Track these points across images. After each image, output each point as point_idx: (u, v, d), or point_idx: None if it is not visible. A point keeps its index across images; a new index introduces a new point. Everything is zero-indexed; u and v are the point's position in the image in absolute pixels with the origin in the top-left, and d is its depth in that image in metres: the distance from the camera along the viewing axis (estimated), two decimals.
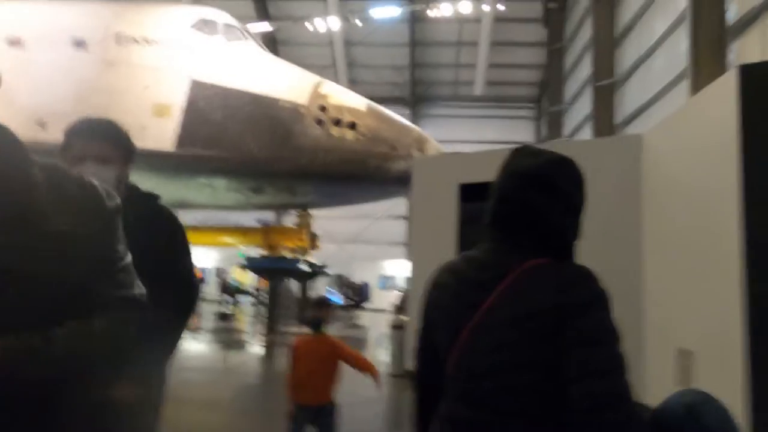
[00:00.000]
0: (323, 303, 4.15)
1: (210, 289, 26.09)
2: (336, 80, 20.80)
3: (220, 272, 28.49)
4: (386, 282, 28.89)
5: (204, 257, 29.30)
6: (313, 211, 15.24)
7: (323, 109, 11.57)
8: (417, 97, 30.59)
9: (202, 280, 25.45)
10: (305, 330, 4.10)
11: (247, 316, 21.70)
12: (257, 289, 24.73)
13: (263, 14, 26.21)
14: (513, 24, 26.06)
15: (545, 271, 1.24)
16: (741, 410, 2.78)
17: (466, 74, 29.18)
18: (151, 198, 2.11)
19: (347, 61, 28.23)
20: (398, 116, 12.89)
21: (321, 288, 26.82)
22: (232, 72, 11.61)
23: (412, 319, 9.07)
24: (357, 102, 12.09)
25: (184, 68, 11.44)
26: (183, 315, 2.01)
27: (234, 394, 7.94)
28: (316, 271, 16.45)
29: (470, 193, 7.89)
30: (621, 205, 4.76)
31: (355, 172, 11.61)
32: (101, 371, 1.25)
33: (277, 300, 14.84)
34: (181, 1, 23.87)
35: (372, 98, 12.92)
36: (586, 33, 20.97)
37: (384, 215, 27.94)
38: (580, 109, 22.41)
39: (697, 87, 10.70)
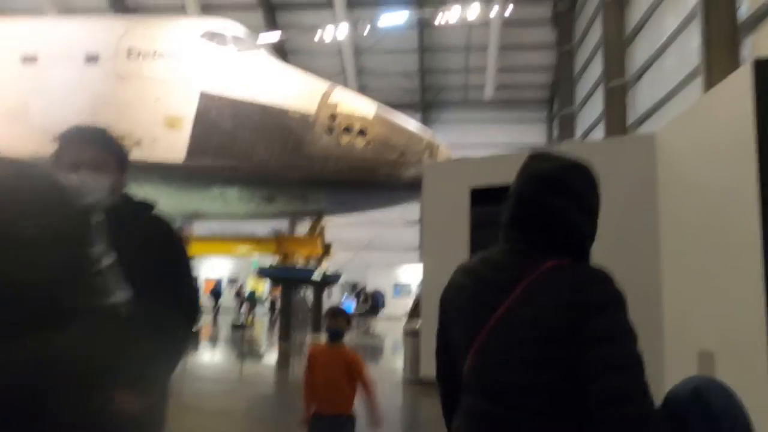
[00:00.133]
0: (340, 313, 4.03)
1: (225, 299, 26.23)
2: (346, 88, 20.87)
3: (233, 282, 28.61)
4: (401, 290, 28.80)
5: (218, 267, 29.46)
6: (327, 219, 15.26)
7: (333, 117, 11.59)
8: (427, 103, 30.59)
9: (218, 292, 25.59)
10: (322, 339, 4.12)
11: (261, 325, 21.74)
12: (272, 299, 24.82)
13: (272, 24, 26.42)
14: (521, 27, 25.99)
15: (563, 272, 1.28)
16: (765, 411, 2.70)
17: (475, 78, 29.13)
18: (147, 207, 2.04)
19: (357, 69, 28.33)
20: (409, 121, 12.89)
21: (336, 296, 26.87)
22: (242, 82, 11.70)
23: (426, 323, 8.99)
24: (367, 109, 12.10)
25: (195, 80, 11.55)
26: (183, 328, 1.94)
27: (249, 404, 7.93)
28: (330, 279, 16.44)
29: (481, 197, 7.84)
30: (636, 205, 4.69)
31: (366, 179, 11.62)
32: (71, 387, 1.14)
33: (291, 309, 14.84)
34: (190, 12, 24.23)
35: (382, 104, 12.93)
36: (596, 33, 20.84)
37: (398, 222, 27.92)
38: (592, 110, 22.25)
39: (710, 84, 10.57)
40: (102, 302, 1.21)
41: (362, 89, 26.74)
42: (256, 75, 12.02)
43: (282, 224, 24.90)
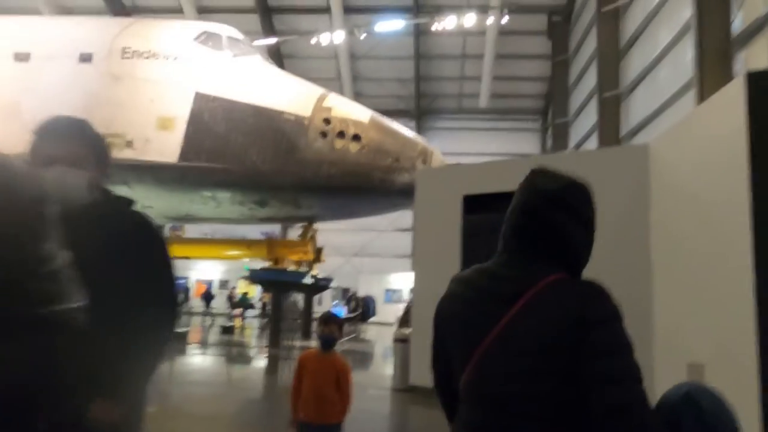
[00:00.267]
0: (332, 319, 3.92)
1: (216, 303, 26.09)
2: (341, 94, 20.88)
3: (224, 285, 28.47)
4: (392, 295, 28.75)
5: (209, 270, 29.31)
6: (319, 224, 15.21)
7: (327, 121, 11.58)
8: (422, 110, 30.66)
9: (209, 295, 25.44)
10: (312, 344, 4.05)
11: (251, 329, 21.62)
12: (263, 303, 24.71)
13: (269, 28, 26.42)
14: (517, 37, 26.14)
15: (565, 286, 1.34)
16: (754, 424, 2.68)
17: (470, 87, 29.24)
18: (126, 204, 1.93)
19: (352, 75, 28.36)
20: (403, 128, 12.89)
21: (326, 301, 26.78)
22: (236, 85, 11.66)
23: (416, 331, 8.93)
24: (361, 114, 12.09)
25: (189, 82, 11.50)
26: (161, 330, 1.83)
27: (237, 409, 7.85)
28: (321, 284, 16.37)
29: (474, 204, 7.82)
30: (629, 216, 4.69)
31: (359, 184, 11.58)
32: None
33: (281, 313, 14.75)
34: (186, 15, 24.20)
35: (377, 111, 12.93)
36: (591, 44, 20.99)
37: (390, 228, 27.91)
38: (586, 121, 22.38)
39: (703, 97, 10.64)
40: (50, 310, 1.07)
41: (357, 95, 26.78)
42: (251, 78, 11.99)
43: (274, 229, 24.87)
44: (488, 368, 1.35)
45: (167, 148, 11.23)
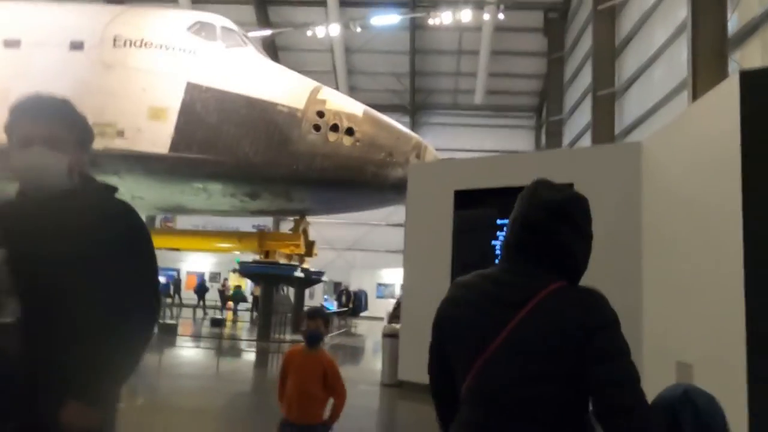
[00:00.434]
0: (318, 313, 3.73)
1: (207, 295, 25.98)
2: (336, 87, 20.81)
3: (215, 278, 28.37)
4: (384, 290, 28.77)
5: (201, 262, 29.20)
6: (312, 218, 15.15)
7: (321, 114, 11.51)
8: (417, 105, 30.59)
9: (203, 288, 25.23)
10: (299, 342, 3.71)
11: (242, 322, 21.56)
12: (254, 296, 24.65)
13: (264, 20, 26.25)
14: (513, 33, 26.09)
15: (567, 294, 1.41)
16: (741, 423, 2.66)
17: (466, 83, 29.19)
18: (108, 191, 1.79)
19: (347, 68, 28.24)
20: (397, 123, 12.84)
21: (318, 295, 26.75)
22: (229, 76, 11.57)
23: (406, 326, 8.90)
24: (355, 108, 12.03)
25: (181, 71, 11.39)
26: (140, 333, 1.69)
27: (225, 402, 7.80)
28: (312, 277, 16.32)
29: (465, 199, 7.79)
30: (620, 214, 4.67)
31: (352, 178, 11.54)
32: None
33: (271, 306, 14.69)
34: (181, 5, 23.98)
35: (371, 105, 12.89)
36: (587, 43, 20.99)
37: (383, 223, 27.89)
38: (580, 119, 22.40)
39: (696, 97, 10.64)
40: None
41: (352, 89, 26.68)
42: (244, 69, 11.89)
43: (267, 222, 24.79)
44: (494, 372, 1.40)
45: (159, 139, 11.14)
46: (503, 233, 7.78)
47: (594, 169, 5.32)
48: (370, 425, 7.01)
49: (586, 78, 21.06)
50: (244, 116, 11.25)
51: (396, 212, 23.16)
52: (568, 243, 1.48)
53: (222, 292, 25.37)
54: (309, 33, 22.94)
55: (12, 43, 11.48)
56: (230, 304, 24.88)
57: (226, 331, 17.09)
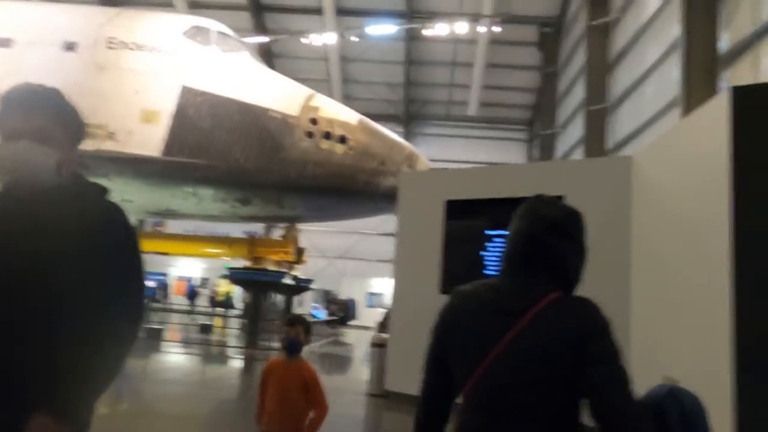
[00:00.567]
0: (298, 320, 3.49)
1: (195, 301, 25.79)
2: (330, 95, 20.81)
3: (203, 283, 28.18)
4: (373, 299, 28.69)
5: (190, 267, 29.01)
6: (304, 226, 15.08)
7: (314, 121, 11.50)
8: (410, 115, 30.69)
9: (193, 293, 25.07)
10: (280, 352, 3.48)
11: (231, 328, 21.40)
12: (245, 303, 24.48)
13: (260, 27, 26.29)
14: (508, 46, 26.28)
15: (565, 303, 1.51)
16: None
17: (460, 94, 29.33)
18: (98, 191, 1.70)
19: (342, 77, 28.31)
20: (390, 132, 12.85)
21: (307, 303, 26.62)
22: (223, 81, 11.54)
23: (394, 336, 8.84)
24: (348, 116, 12.03)
25: (175, 75, 11.36)
26: (122, 342, 1.58)
27: (209, 409, 7.71)
28: (301, 285, 16.23)
29: (456, 209, 7.77)
30: (610, 228, 4.67)
31: (344, 186, 11.52)
32: None
33: (259, 313, 14.58)
34: (178, 10, 23.98)
35: (366, 115, 12.89)
36: (580, 58, 21.17)
37: (374, 232, 27.84)
38: (572, 133, 22.54)
39: (687, 114, 10.73)
40: None
41: (347, 98, 26.72)
42: (239, 75, 11.88)
43: (258, 229, 24.69)
44: (496, 377, 1.48)
45: (150, 142, 11.07)
46: (493, 244, 7.74)
47: (584, 182, 5.34)
48: None
49: (579, 92, 21.23)
50: (237, 121, 11.22)
51: (387, 221, 23.15)
52: (566, 256, 1.58)
53: (212, 298, 25.20)
54: (305, 41, 22.99)
55: (4, 42, 11.41)
56: (221, 310, 24.71)
57: (214, 337, 16.95)
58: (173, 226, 21.86)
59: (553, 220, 1.59)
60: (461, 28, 21.80)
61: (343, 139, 11.47)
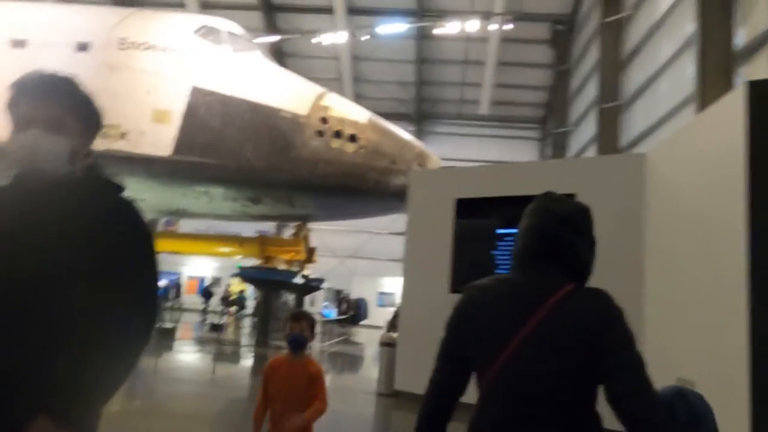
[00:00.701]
0: (303, 316, 3.32)
1: (209, 300, 25.91)
2: (342, 94, 20.82)
3: (215, 282, 28.30)
4: (384, 299, 28.66)
5: (202, 266, 29.16)
6: (315, 224, 15.09)
7: (324, 120, 11.48)
8: (422, 114, 30.61)
9: (209, 292, 25.16)
10: (283, 350, 3.32)
11: (242, 327, 21.48)
12: (257, 301, 24.58)
13: (271, 26, 26.35)
14: (520, 44, 26.11)
15: (581, 294, 1.57)
16: None
17: (471, 93, 29.20)
18: (114, 188, 1.60)
19: (353, 76, 28.30)
20: (401, 130, 12.81)
21: (319, 302, 26.65)
22: (234, 80, 11.57)
23: (403, 335, 8.78)
24: (359, 114, 12.01)
25: (186, 75, 11.40)
26: (135, 340, 1.48)
27: (221, 408, 7.73)
28: (312, 284, 16.25)
29: (466, 208, 7.71)
30: (623, 226, 4.60)
31: (355, 185, 11.50)
32: None
33: (270, 312, 14.60)
34: (189, 10, 24.10)
35: (377, 114, 12.86)
36: (593, 55, 20.97)
37: (386, 231, 27.82)
38: (585, 131, 22.35)
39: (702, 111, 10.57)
40: None
41: (358, 97, 26.72)
42: (249, 74, 11.90)
43: (270, 228, 24.77)
44: (518, 366, 1.52)
45: (161, 141, 11.13)
46: (503, 243, 7.65)
47: (597, 180, 5.26)
48: None
49: (591, 90, 21.04)
50: (248, 120, 11.24)
51: (398, 220, 23.10)
52: (578, 248, 1.64)
53: (225, 297, 25.31)
54: (315, 40, 23.00)
55: (19, 43, 11.52)
56: (233, 308, 24.83)
57: (226, 336, 17.02)
58: (185, 226, 22.01)
59: (564, 215, 1.65)
60: (472, 26, 21.68)
61: (353, 138, 11.45)
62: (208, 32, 12.03)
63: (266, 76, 12.11)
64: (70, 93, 1.57)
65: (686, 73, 13.18)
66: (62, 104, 1.53)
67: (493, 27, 23.14)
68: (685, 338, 3.17)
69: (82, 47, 11.48)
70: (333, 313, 22.54)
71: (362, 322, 25.46)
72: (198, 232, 18.95)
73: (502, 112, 29.72)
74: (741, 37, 11.29)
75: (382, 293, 29.00)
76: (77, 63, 11.32)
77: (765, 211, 2.51)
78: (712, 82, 11.02)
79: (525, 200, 1.78)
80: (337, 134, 11.42)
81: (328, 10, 25.41)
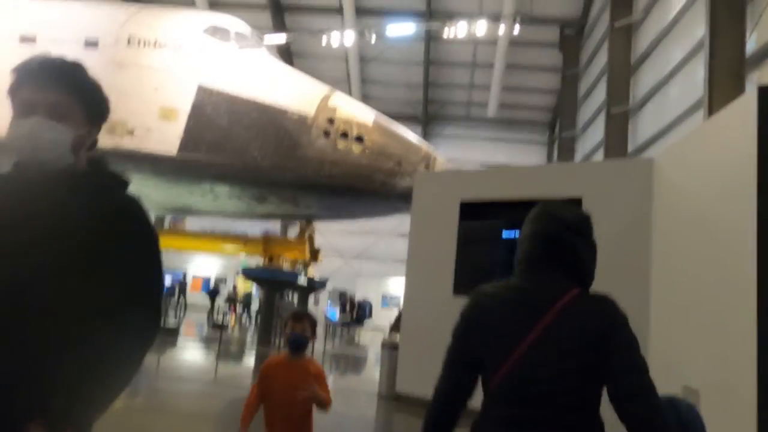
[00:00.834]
0: (305, 315, 3.17)
1: (216, 299, 25.93)
2: (349, 95, 20.82)
3: (219, 281, 28.33)
4: (389, 300, 28.61)
5: (207, 266, 29.22)
6: (321, 225, 15.07)
7: (331, 121, 11.47)
8: (429, 116, 30.56)
9: (215, 291, 25.14)
10: (282, 350, 3.26)
11: (246, 326, 21.51)
12: (260, 301, 24.59)
13: (280, 26, 26.38)
14: (528, 48, 26.03)
15: (587, 299, 1.60)
16: None
17: (479, 96, 29.13)
18: (119, 184, 1.53)
19: (361, 77, 28.29)
20: (408, 132, 12.78)
21: (323, 302, 26.63)
22: (241, 79, 11.57)
23: (405, 338, 8.75)
24: (366, 115, 11.98)
25: (193, 73, 11.42)
26: (137, 343, 1.42)
27: (223, 407, 7.72)
28: (315, 284, 16.23)
29: (471, 211, 7.66)
30: (630, 231, 4.54)
31: (360, 186, 11.47)
32: None
33: (273, 312, 14.60)
34: (198, 8, 24.18)
35: (384, 115, 12.82)
36: (602, 59, 20.87)
37: (391, 232, 27.78)
38: (593, 135, 22.24)
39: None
40: None
41: (365, 98, 26.70)
42: (257, 73, 11.90)
43: (274, 227, 24.78)
44: (526, 369, 1.55)
45: (168, 139, 11.15)
46: (508, 246, 7.62)
47: (604, 184, 5.20)
48: None
49: (600, 95, 20.93)
50: (254, 119, 11.24)
51: (404, 222, 22.98)
52: (581, 253, 1.68)
53: (231, 297, 25.33)
54: (324, 40, 23.01)
55: (28, 39, 11.58)
56: (238, 307, 24.86)
57: (230, 335, 17.03)
58: (191, 225, 22.05)
59: (569, 221, 1.70)
60: (481, 28, 21.62)
61: (359, 139, 11.43)
62: (215, 31, 12.05)
63: (273, 75, 12.12)
64: (76, 79, 1.49)
65: (696, 78, 13.08)
66: (67, 90, 1.45)
67: (501, 30, 23.08)
68: (691, 346, 3.12)
69: (91, 44, 11.52)
70: (337, 314, 22.50)
71: (366, 324, 25.41)
72: (203, 231, 18.99)
73: (509, 115, 29.64)
74: (752, 42, 11.20)
75: (386, 295, 28.98)
76: (85, 60, 11.33)
77: None
78: (723, 86, 10.92)
79: (530, 204, 1.80)
80: (344, 135, 11.40)
81: (337, 11, 25.42)
